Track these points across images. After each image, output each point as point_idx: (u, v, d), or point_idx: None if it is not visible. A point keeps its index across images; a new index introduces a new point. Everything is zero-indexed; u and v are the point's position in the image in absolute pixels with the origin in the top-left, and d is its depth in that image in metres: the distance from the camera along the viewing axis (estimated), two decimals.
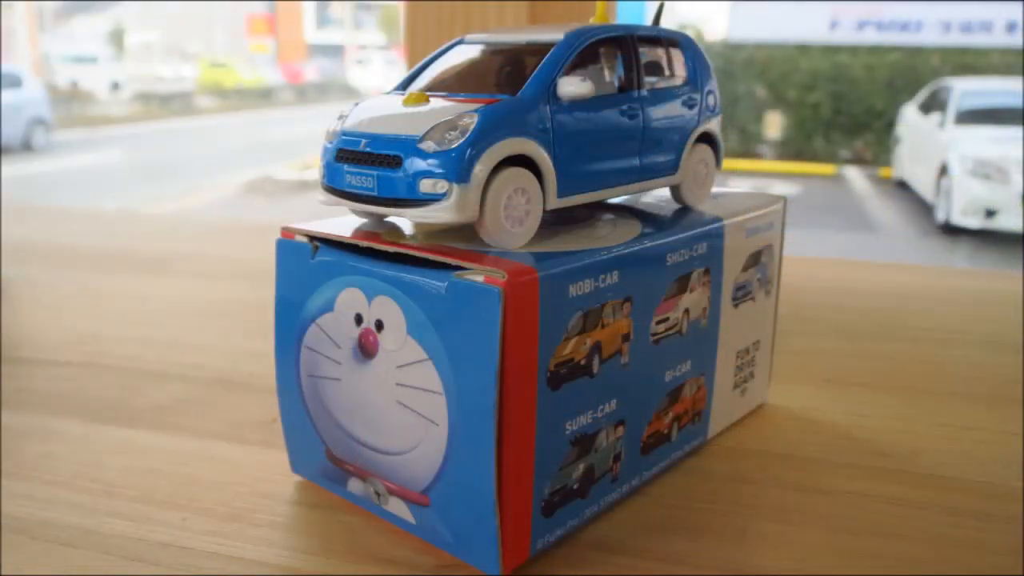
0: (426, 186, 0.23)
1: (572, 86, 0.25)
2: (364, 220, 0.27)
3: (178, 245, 0.65)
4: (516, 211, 0.24)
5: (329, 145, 0.25)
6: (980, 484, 0.29)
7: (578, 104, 0.25)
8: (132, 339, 0.43)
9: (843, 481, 0.29)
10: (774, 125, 5.17)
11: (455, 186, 0.23)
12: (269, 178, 4.56)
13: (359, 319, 0.24)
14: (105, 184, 4.20)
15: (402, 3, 0.51)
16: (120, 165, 4.83)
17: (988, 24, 5.09)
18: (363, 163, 0.24)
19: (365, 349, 0.25)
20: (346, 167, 0.24)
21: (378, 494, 0.26)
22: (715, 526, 0.27)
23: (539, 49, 0.26)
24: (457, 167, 0.23)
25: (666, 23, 0.30)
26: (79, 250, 0.63)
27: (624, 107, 0.27)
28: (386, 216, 0.26)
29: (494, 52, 0.28)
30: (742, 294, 0.31)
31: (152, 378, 0.38)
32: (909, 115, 4.25)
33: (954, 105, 3.70)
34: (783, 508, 0.28)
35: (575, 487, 0.25)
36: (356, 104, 0.26)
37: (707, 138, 0.31)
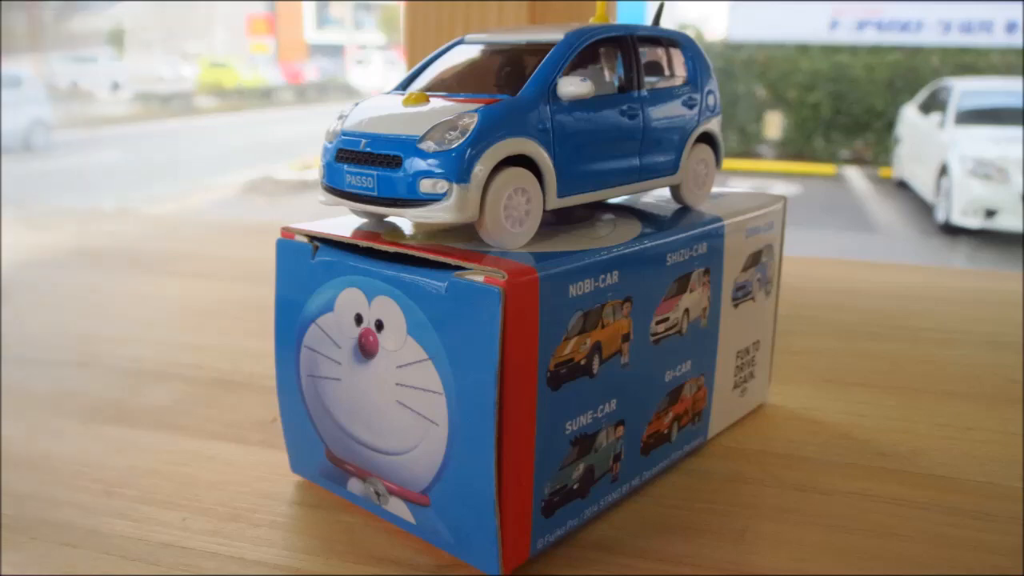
0: (426, 186, 0.23)
1: (572, 86, 0.25)
2: (364, 220, 0.27)
3: (178, 245, 0.65)
4: (516, 211, 0.24)
5: (329, 145, 0.25)
6: (980, 484, 0.29)
7: (578, 104, 0.25)
8: (132, 339, 0.43)
9: (843, 481, 0.29)
10: (774, 125, 5.16)
11: (455, 186, 0.23)
12: (269, 178, 4.55)
13: (359, 319, 0.24)
14: (105, 184, 4.19)
15: (402, 3, 0.51)
16: (120, 165, 4.83)
17: (988, 24, 5.09)
18: (363, 163, 0.24)
19: (365, 349, 0.25)
20: (346, 167, 0.24)
21: (378, 494, 0.26)
22: (715, 526, 0.27)
23: (539, 49, 0.26)
24: (457, 167, 0.23)
25: (666, 23, 0.30)
26: (79, 250, 0.63)
27: (624, 107, 0.27)
28: (386, 216, 0.26)
29: (494, 52, 0.28)
30: (742, 294, 0.31)
31: (152, 378, 0.38)
32: (909, 115, 4.25)
33: (954, 105, 3.69)
34: (783, 508, 0.28)
35: (575, 487, 0.25)
36: (356, 104, 0.26)
37: (707, 138, 0.31)
